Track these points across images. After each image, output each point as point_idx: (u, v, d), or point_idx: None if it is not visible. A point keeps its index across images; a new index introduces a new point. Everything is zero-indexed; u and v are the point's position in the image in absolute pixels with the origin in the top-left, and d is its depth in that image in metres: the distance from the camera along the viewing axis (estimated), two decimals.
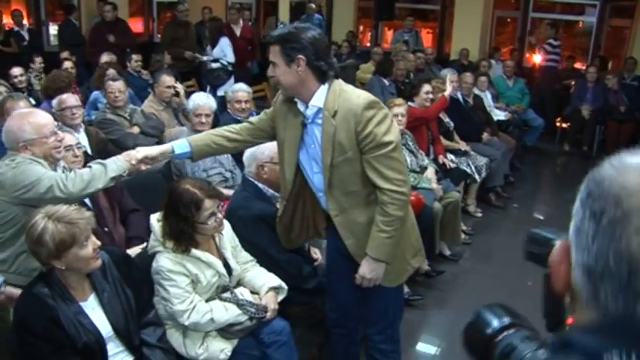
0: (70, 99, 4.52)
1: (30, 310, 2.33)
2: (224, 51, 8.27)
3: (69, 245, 2.29)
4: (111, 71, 5.98)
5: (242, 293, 2.86)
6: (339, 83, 2.55)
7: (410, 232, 2.77)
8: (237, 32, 8.90)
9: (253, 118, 2.92)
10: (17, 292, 2.61)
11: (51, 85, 5.27)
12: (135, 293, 2.57)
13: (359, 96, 2.51)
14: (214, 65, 8.07)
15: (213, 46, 8.37)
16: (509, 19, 11.82)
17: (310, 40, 2.44)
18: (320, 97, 2.51)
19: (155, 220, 2.82)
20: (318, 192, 2.72)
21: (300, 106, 2.58)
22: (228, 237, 2.97)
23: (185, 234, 2.72)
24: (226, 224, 2.99)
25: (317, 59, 2.46)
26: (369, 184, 2.55)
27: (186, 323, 2.69)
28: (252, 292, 2.93)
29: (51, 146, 2.92)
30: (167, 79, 5.53)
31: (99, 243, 2.43)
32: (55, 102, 4.60)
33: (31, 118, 2.92)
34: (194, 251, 2.76)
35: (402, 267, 2.78)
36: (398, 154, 2.53)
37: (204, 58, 8.34)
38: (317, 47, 2.46)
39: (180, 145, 2.74)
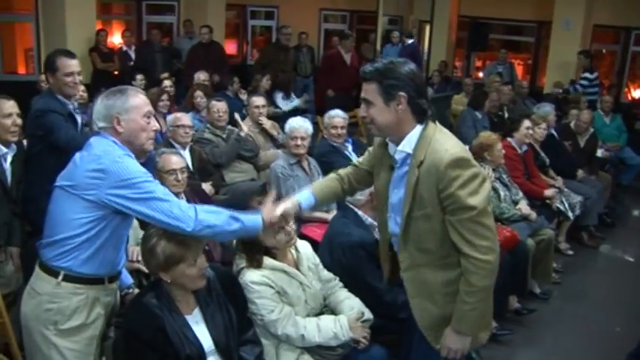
0: (185, 118, 4.78)
1: (139, 319, 2.43)
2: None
3: (177, 261, 2.39)
4: (198, 93, 6.25)
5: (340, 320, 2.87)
6: (435, 129, 2.35)
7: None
8: (348, 61, 8.97)
9: (360, 162, 2.82)
10: None
11: None
12: (236, 310, 2.64)
13: (447, 149, 2.28)
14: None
15: None
16: (604, 51, 11.48)
17: (410, 75, 2.28)
18: (411, 140, 2.34)
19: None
20: (393, 236, 2.57)
21: (391, 149, 2.44)
22: (306, 255, 3.02)
23: (254, 249, 2.79)
24: (306, 244, 3.05)
25: (418, 96, 2.30)
26: (448, 245, 2.35)
27: (279, 333, 2.74)
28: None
29: None
30: (256, 100, 5.72)
31: (206, 265, 2.52)
32: (170, 118, 4.87)
33: None
34: (272, 262, 2.82)
35: None
36: (485, 218, 2.28)
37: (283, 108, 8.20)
38: (417, 83, 2.30)
39: (305, 196, 2.69)
